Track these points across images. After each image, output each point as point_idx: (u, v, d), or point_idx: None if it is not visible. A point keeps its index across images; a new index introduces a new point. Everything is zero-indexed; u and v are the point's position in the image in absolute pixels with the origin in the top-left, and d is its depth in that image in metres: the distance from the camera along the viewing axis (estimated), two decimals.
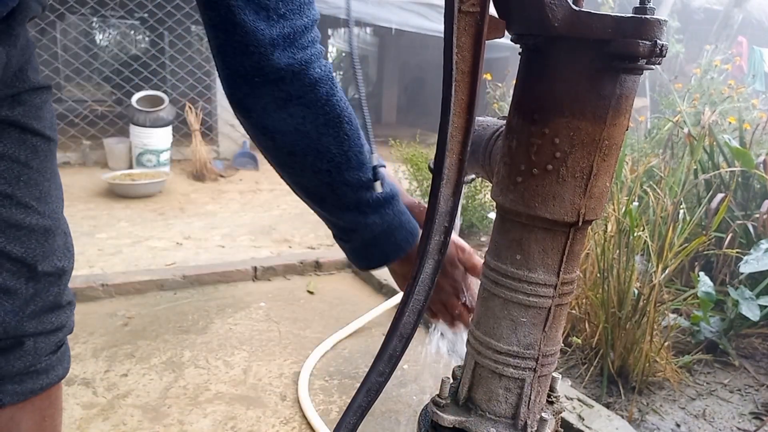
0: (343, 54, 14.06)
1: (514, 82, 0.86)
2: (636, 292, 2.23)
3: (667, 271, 2.24)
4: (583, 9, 0.72)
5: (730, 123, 3.59)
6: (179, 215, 4.45)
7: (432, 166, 0.96)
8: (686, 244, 2.32)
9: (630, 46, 0.70)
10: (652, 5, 0.73)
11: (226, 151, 6.50)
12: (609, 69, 0.73)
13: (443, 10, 0.72)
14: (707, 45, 6.93)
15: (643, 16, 0.70)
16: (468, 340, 0.95)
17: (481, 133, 1.00)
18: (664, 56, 0.73)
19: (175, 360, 2.21)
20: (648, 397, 2.18)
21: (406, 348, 0.84)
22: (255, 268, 3.08)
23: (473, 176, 1.11)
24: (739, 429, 2.06)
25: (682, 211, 2.46)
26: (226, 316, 2.62)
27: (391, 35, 8.54)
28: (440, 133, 0.76)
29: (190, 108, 5.83)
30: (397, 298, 2.71)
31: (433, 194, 0.77)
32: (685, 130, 3.28)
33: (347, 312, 2.71)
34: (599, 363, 2.27)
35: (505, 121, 0.90)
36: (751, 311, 2.41)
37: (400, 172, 4.37)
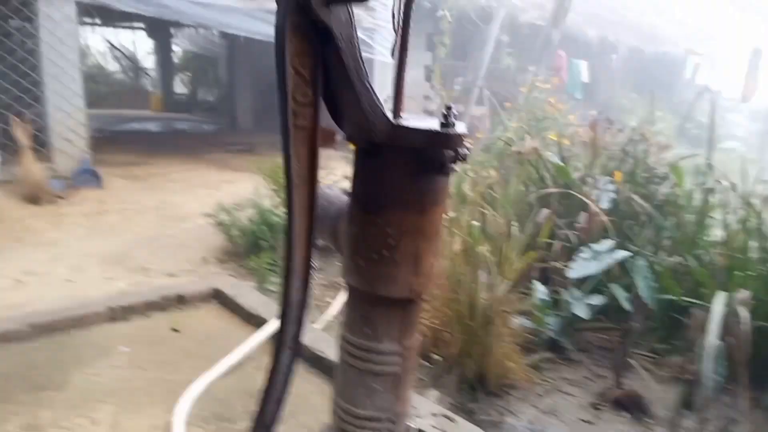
0: (191, 55, 13.43)
1: (353, 174, 1.00)
2: (483, 303, 2.49)
3: (508, 283, 2.54)
4: (401, 124, 0.89)
5: (553, 140, 4.12)
6: (16, 247, 4.04)
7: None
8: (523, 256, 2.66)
9: (439, 155, 0.90)
10: (454, 120, 0.91)
11: (63, 169, 5.93)
12: (425, 171, 0.92)
13: None
14: (531, 65, 7.81)
15: (448, 131, 0.89)
16: (333, 409, 1.07)
17: (326, 208, 1.12)
18: (465, 160, 0.94)
19: (34, 423, 2.05)
20: (504, 399, 2.43)
21: None
22: (112, 309, 2.87)
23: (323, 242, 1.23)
24: (581, 420, 2.37)
25: (514, 228, 2.81)
26: (85, 366, 2.46)
27: (241, 38, 8.34)
28: (287, 233, 0.87)
29: (16, 122, 5.25)
30: (268, 327, 2.70)
31: (285, 288, 0.89)
32: (514, 148, 3.72)
33: (217, 348, 2.60)
34: (460, 371, 2.51)
35: (346, 197, 1.04)
36: (581, 310, 2.79)
37: (261, 188, 4.31)
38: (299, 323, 0.94)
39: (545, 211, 3.14)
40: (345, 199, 1.04)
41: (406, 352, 1.02)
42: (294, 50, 0.77)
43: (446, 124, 0.89)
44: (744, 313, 2.22)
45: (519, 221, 3.11)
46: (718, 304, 2.29)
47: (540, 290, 2.76)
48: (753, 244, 2.88)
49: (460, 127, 0.90)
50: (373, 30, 6.37)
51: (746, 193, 3.23)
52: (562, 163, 3.67)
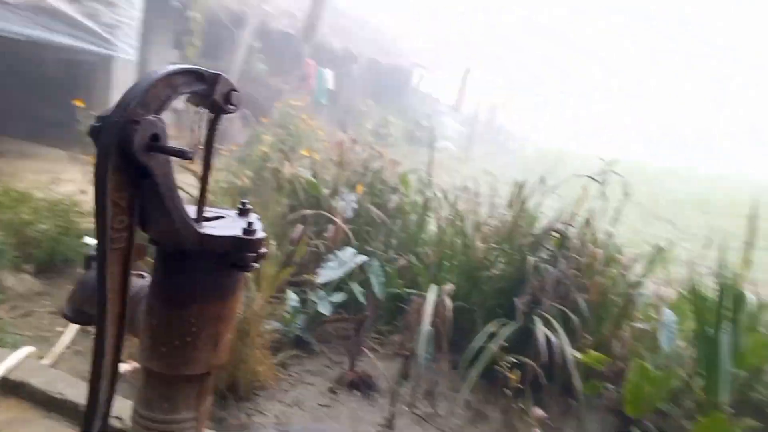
0: None
1: (154, 271, 1.09)
2: (240, 318, 2.65)
3: (264, 297, 2.75)
4: (208, 233, 1.03)
5: (305, 155, 4.49)
6: None
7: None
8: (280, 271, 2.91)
9: (241, 257, 1.07)
10: (255, 227, 1.08)
11: None
12: (228, 269, 1.08)
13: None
14: (282, 73, 8.15)
15: (250, 237, 1.07)
16: None
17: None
18: (265, 258, 1.09)
19: None
20: (253, 401, 2.62)
21: None
22: None
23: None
24: (320, 405, 2.70)
25: (273, 245, 3.06)
26: None
27: None
28: (97, 340, 0.96)
29: None
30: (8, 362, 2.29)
31: (93, 389, 0.98)
32: (271, 164, 3.98)
33: None
34: (213, 384, 2.61)
35: (140, 281, 1.10)
36: (324, 307, 3.18)
37: None
38: (105, 419, 0.99)
39: (299, 227, 3.45)
40: (140, 283, 1.09)
41: (201, 415, 1.13)
42: (113, 185, 0.84)
43: (250, 231, 1.03)
44: (447, 302, 2.85)
45: (278, 238, 3.34)
46: (431, 293, 2.88)
47: (292, 297, 3.07)
48: (458, 240, 3.64)
49: (260, 232, 1.04)
50: (115, 26, 5.92)
51: (454, 195, 4.02)
52: (313, 179, 4.05)
